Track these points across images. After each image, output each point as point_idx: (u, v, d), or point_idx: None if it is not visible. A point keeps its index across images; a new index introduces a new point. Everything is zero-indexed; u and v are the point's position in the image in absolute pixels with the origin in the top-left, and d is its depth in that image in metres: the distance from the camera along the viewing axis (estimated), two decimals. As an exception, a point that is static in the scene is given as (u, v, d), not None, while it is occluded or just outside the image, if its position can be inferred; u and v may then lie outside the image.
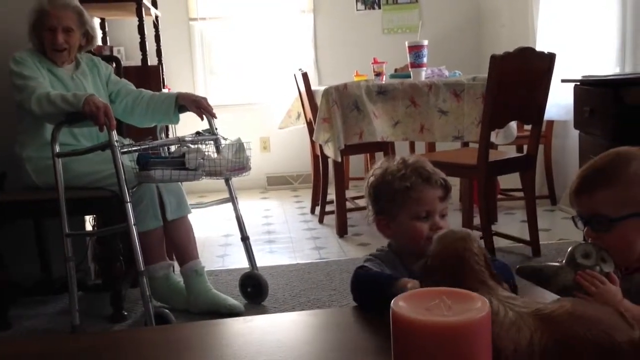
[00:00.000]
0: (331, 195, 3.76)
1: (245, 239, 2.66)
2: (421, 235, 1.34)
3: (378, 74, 3.64)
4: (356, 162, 4.88)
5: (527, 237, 3.06)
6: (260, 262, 2.80)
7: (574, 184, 1.16)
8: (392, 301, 0.89)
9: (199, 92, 5.32)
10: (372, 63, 3.74)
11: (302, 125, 4.22)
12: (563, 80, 3.01)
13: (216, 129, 2.58)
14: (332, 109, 3.38)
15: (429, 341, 0.82)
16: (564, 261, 1.10)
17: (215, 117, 2.61)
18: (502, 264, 1.25)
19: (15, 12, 2.79)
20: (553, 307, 0.88)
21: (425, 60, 3.51)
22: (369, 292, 1.24)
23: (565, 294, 1.05)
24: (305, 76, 3.79)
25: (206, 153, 2.39)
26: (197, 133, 2.50)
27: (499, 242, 3.15)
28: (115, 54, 4.05)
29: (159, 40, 3.72)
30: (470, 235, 1.02)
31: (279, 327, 1.18)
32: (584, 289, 1.04)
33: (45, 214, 2.54)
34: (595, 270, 1.06)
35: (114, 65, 2.89)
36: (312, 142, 3.93)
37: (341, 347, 1.07)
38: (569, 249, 1.09)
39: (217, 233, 3.84)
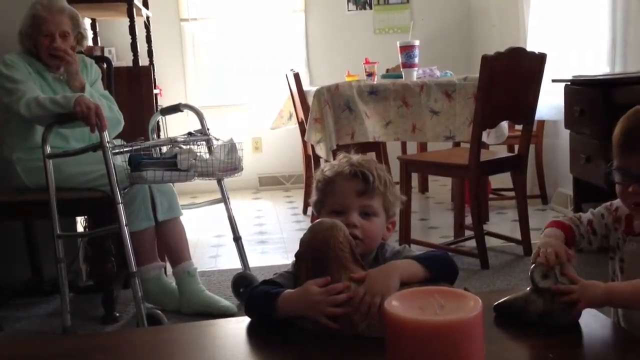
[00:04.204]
0: (323, 195, 3.75)
1: (237, 239, 2.66)
2: None
3: (370, 74, 3.64)
4: (348, 162, 4.87)
5: (518, 237, 3.07)
6: (253, 262, 2.80)
7: (623, 137, 1.16)
8: (385, 301, 0.89)
9: (190, 92, 5.31)
10: (364, 63, 3.74)
11: (294, 126, 4.22)
12: (554, 80, 3.02)
13: (208, 129, 2.57)
14: (324, 109, 3.38)
15: (423, 340, 0.82)
16: (529, 287, 1.11)
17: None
18: (431, 255, 1.19)
19: (2, 13, 2.77)
20: None
21: (416, 60, 3.51)
22: (257, 312, 1.20)
23: (543, 320, 1.08)
24: (296, 76, 3.79)
25: (198, 154, 2.38)
26: (189, 134, 2.50)
27: (490, 242, 3.16)
28: (106, 54, 4.03)
29: (150, 40, 3.70)
30: (336, 225, 1.15)
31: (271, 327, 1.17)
32: (556, 315, 1.06)
33: (36, 215, 2.53)
34: (559, 284, 1.08)
35: (105, 65, 2.88)
36: (304, 143, 3.93)
37: (336, 346, 1.07)
38: (529, 272, 1.11)
39: (209, 234, 3.83)
